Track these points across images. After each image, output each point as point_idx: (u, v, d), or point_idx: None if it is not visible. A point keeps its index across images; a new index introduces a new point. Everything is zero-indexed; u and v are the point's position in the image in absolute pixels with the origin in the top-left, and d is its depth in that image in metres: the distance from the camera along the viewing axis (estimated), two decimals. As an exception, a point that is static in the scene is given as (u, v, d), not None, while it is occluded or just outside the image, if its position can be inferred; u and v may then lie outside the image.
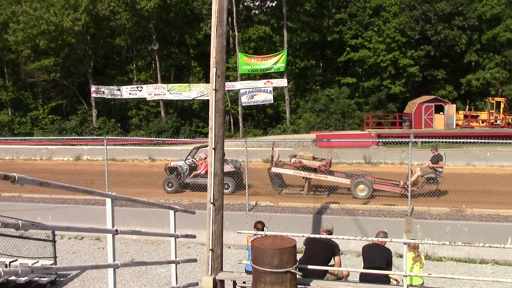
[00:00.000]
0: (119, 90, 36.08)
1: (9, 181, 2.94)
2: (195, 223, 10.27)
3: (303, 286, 5.89)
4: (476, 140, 15.60)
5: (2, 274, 2.76)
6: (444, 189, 14.74)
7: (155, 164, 23.48)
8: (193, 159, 17.83)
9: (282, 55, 34.36)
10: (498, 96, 35.88)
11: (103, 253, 11.94)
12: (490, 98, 34.55)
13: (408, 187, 14.51)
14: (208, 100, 7.01)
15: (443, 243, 6.70)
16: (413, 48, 36.19)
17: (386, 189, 15.25)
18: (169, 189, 16.76)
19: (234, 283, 6.55)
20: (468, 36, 34.86)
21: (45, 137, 31.31)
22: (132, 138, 30.07)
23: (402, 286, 5.92)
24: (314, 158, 16.01)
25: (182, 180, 16.90)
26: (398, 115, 34.39)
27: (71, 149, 27.45)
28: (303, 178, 15.74)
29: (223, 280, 6.57)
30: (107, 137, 16.80)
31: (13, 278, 8.97)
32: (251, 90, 34.78)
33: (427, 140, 18.18)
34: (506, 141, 18.86)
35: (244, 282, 6.42)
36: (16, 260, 9.79)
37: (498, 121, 33.22)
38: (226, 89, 8.14)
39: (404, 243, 5.90)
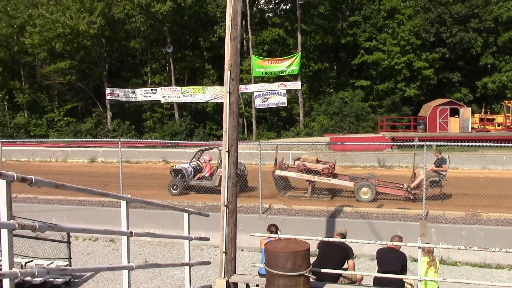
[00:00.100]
0: (133, 92, 36.30)
1: (26, 184, 2.98)
2: (208, 225, 10.30)
3: (317, 290, 5.87)
4: (492, 144, 15.39)
5: (19, 275, 2.79)
6: (456, 192, 14.58)
7: (169, 167, 23.56)
8: (198, 162, 17.92)
9: (296, 58, 34.33)
10: (515, 99, 35.50)
11: (117, 254, 12.02)
12: (506, 101, 34.14)
13: (411, 190, 14.51)
14: (222, 103, 7.04)
15: (458, 248, 6.64)
16: (428, 51, 35.93)
17: (390, 192, 15.21)
18: (174, 191, 16.87)
19: (248, 286, 6.55)
20: (484, 39, 34.52)
21: (61, 139, 31.64)
22: (146, 140, 30.26)
23: (417, 290, 5.87)
24: (318, 161, 16.06)
25: (186, 182, 16.99)
26: (412, 118, 34.16)
27: (86, 151, 27.68)
28: (307, 181, 15.76)
29: (237, 283, 6.57)
30: (121, 140, 16.95)
31: (28, 278, 9.06)
32: (264, 92, 34.79)
33: (442, 143, 17.99)
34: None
35: (257, 285, 6.41)
36: (31, 260, 9.87)
37: (514, 125, 32.86)
38: (239, 91, 8.15)
39: (419, 247, 5.86)
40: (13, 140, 29.39)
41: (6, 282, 2.94)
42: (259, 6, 41.91)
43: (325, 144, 23.97)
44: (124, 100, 36.73)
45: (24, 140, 31.90)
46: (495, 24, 34.49)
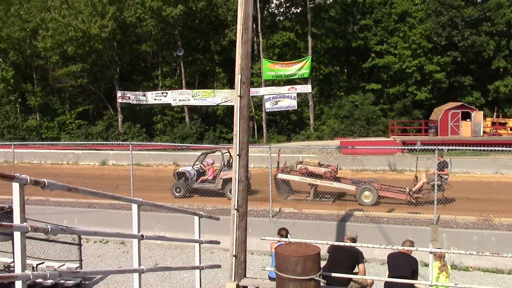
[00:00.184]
0: (144, 95, 36.47)
1: (39, 187, 3.01)
2: (218, 228, 10.30)
3: (327, 294, 5.85)
4: (504, 148, 15.33)
5: (31, 277, 2.81)
6: (468, 197, 14.46)
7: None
8: (201, 165, 17.99)
9: (307, 61, 34.31)
10: (527, 103, 35.21)
11: (128, 257, 12.06)
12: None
13: (413, 193, 14.48)
14: (232, 106, 7.05)
15: (470, 253, 6.58)
16: (440, 54, 35.73)
17: (392, 196, 15.22)
18: (177, 194, 17.00)
19: (257, 289, 6.55)
20: (496, 42, 34.25)
21: (72, 142, 31.86)
22: (156, 143, 30.37)
23: (428, 296, 5.83)
24: (320, 165, 16.13)
25: (190, 185, 17.07)
26: (423, 122, 33.96)
27: (97, 153, 27.85)
28: (309, 184, 15.78)
29: (246, 286, 6.57)
30: (132, 143, 17.04)
31: (39, 280, 9.10)
32: (275, 96, 34.79)
33: (453, 147, 17.88)
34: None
35: (267, 289, 6.41)
36: (42, 262, 9.93)
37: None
38: (250, 95, 8.16)
39: (430, 252, 5.82)
40: (25, 142, 29.63)
41: (18, 284, 2.96)
42: (269, 10, 41.95)
43: (335, 148, 23.94)
44: (135, 103, 36.90)
45: (36, 142, 32.16)
46: (507, 28, 34.21)
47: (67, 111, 39.11)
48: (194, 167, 17.76)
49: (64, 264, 10.27)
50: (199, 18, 37.64)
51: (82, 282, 10.25)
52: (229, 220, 6.90)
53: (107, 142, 29.27)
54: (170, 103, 36.57)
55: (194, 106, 37.37)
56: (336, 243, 7.39)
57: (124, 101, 36.35)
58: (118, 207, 14.48)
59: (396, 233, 11.46)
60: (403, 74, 36.53)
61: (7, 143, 25.83)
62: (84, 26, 32.70)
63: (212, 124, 37.06)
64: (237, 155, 6.82)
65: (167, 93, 36.52)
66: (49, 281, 9.24)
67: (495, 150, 14.55)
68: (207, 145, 26.00)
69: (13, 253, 8.93)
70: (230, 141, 32.98)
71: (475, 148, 15.00)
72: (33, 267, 9.40)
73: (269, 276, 7.43)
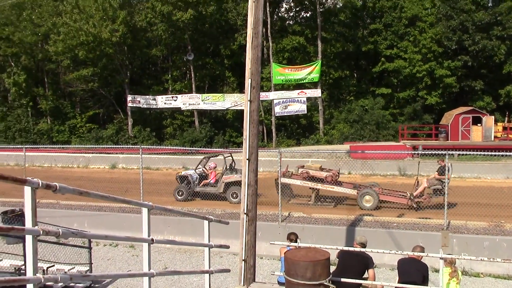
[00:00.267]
0: (154, 99, 36.64)
1: (51, 190, 3.03)
2: (227, 232, 10.30)
3: (337, 299, 5.82)
4: (515, 153, 15.18)
5: (43, 280, 2.83)
6: (478, 202, 14.33)
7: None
8: (203, 168, 18.08)
9: (316, 66, 34.30)
10: (539, 107, 34.89)
11: (137, 260, 12.10)
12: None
13: (414, 198, 14.43)
14: (241, 110, 7.08)
15: (481, 259, 6.54)
16: (450, 59, 35.57)
17: (393, 200, 15.19)
18: (179, 197, 17.09)
19: (267, 294, 6.54)
20: (507, 46, 34.02)
21: (82, 146, 32.06)
22: (166, 147, 30.46)
23: (438, 302, 5.79)
24: (321, 169, 16.15)
25: (192, 188, 17.16)
26: (434, 126, 33.78)
27: (107, 157, 27.97)
28: (310, 188, 15.79)
29: (256, 291, 6.56)
30: (142, 146, 17.12)
31: (50, 283, 9.15)
32: (284, 100, 34.80)
33: (464, 152, 17.78)
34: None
35: (276, 294, 6.40)
36: (53, 265, 9.98)
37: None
38: (260, 99, 8.16)
39: (441, 258, 5.79)
40: (36, 146, 29.85)
41: (29, 287, 2.99)
42: (279, 14, 42.04)
43: (345, 152, 23.86)
44: (145, 107, 37.08)
45: (46, 146, 32.41)
46: (519, 32, 34.02)
47: (77, 115, 39.37)
48: (196, 170, 17.88)
49: (74, 267, 10.31)
50: (209, 23, 37.77)
51: (92, 285, 10.29)
52: (238, 224, 6.90)
53: (117, 146, 29.44)
54: (180, 107, 36.70)
55: (204, 110, 37.47)
56: (346, 248, 7.36)
57: (134, 105, 36.53)
58: (128, 211, 14.53)
59: (406, 238, 11.40)
60: (413, 79, 36.40)
61: (18, 146, 26.06)
62: (95, 31, 32.94)
63: (221, 128, 37.12)
64: (247, 159, 6.83)
65: (177, 97, 36.65)
66: (59, 284, 9.29)
67: (506, 155, 14.43)
68: (217, 149, 26.05)
69: (24, 256, 8.99)
70: (239, 145, 33.01)
71: (486, 153, 14.92)
72: (43, 270, 9.46)
73: (278, 281, 7.41)
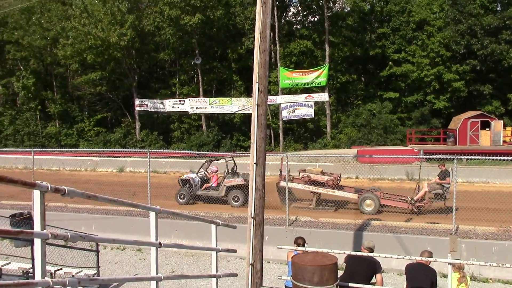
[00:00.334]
0: (162, 103, 36.75)
1: (59, 194, 3.05)
2: (234, 236, 10.29)
3: (344, 304, 5.81)
4: (524, 158, 15.07)
5: (51, 284, 2.84)
6: (487, 207, 14.21)
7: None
8: (205, 172, 18.14)
9: (324, 70, 34.29)
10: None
11: (144, 264, 12.11)
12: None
13: (414, 202, 14.41)
14: (249, 114, 7.09)
15: (490, 264, 6.48)
16: (458, 63, 35.42)
17: (394, 205, 15.22)
18: (181, 200, 17.18)
19: (274, 298, 6.52)
20: (516, 50, 33.88)
21: (90, 149, 32.20)
22: (173, 151, 30.53)
23: (447, 308, 5.75)
24: (322, 173, 16.20)
25: (194, 192, 17.22)
26: (442, 131, 33.65)
27: (115, 161, 28.08)
28: (311, 192, 15.81)
29: (263, 296, 6.55)
30: (150, 150, 17.19)
31: (58, 286, 9.16)
32: (292, 104, 34.80)
33: (472, 157, 17.67)
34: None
35: (283, 298, 6.38)
36: (60, 269, 9.99)
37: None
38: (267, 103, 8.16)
39: (449, 263, 5.75)
40: (44, 149, 29.99)
41: (38, 291, 2.99)
42: (287, 18, 42.09)
43: (352, 157, 23.81)
44: (153, 110, 37.20)
45: (55, 149, 32.56)
46: (528, 36, 33.84)
47: (85, 118, 39.57)
48: (198, 174, 17.96)
49: (81, 271, 10.33)
50: (217, 27, 37.89)
51: (99, 288, 10.30)
52: (246, 228, 6.89)
53: (124, 150, 29.53)
54: (188, 111, 36.79)
55: (211, 114, 37.54)
56: (354, 253, 7.33)
57: (142, 109, 36.66)
58: (135, 214, 14.57)
59: (414, 243, 11.35)
60: (421, 83, 36.28)
61: (27, 149, 26.19)
62: (103, 35, 33.13)
63: (229, 132, 37.17)
64: (254, 163, 6.82)
65: (184, 101, 36.76)
66: (67, 288, 9.30)
67: (515, 160, 14.33)
68: (224, 153, 26.07)
69: (32, 259, 9.03)
70: (246, 149, 33.03)
71: (494, 157, 14.82)
72: (51, 274, 9.47)
73: (285, 286, 7.40)
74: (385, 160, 22.42)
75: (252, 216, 6.73)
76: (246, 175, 17.23)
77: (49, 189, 2.98)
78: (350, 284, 6.17)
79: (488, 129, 30.23)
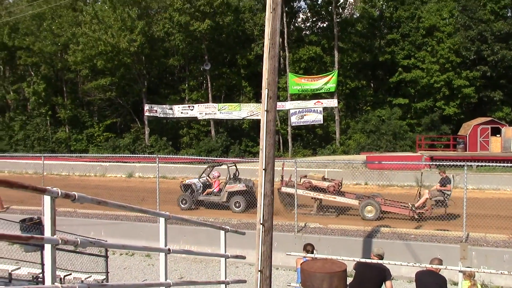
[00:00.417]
0: (171, 109, 36.87)
1: (69, 199, 3.05)
2: (243, 242, 10.28)
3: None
4: (536, 165, 14.95)
5: (61, 289, 2.85)
6: (498, 214, 14.10)
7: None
8: (207, 177, 18.19)
9: (333, 76, 34.25)
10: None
11: (153, 270, 12.12)
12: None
13: (415, 209, 14.38)
14: (258, 120, 7.09)
15: (501, 272, 6.42)
16: (469, 69, 35.22)
17: (395, 211, 15.22)
18: (183, 205, 17.28)
19: (283, 305, 6.49)
20: (527, 57, 33.65)
21: (99, 154, 32.36)
22: (182, 156, 30.60)
23: (458, 316, 5.70)
24: (324, 179, 16.28)
25: (195, 197, 17.26)
26: (452, 137, 33.46)
27: (124, 166, 28.18)
28: (312, 198, 15.81)
29: (272, 302, 6.52)
30: (159, 156, 17.24)
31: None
32: (301, 110, 34.78)
33: (483, 164, 17.55)
34: None
35: (292, 305, 6.35)
36: (70, 274, 10.03)
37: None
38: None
39: (460, 271, 5.70)
40: (54, 154, 30.17)
41: (48, 296, 3.00)
42: (296, 24, 42.10)
43: (361, 163, 23.73)
44: (162, 116, 37.32)
45: (64, 154, 32.76)
46: (538, 42, 33.62)
47: (95, 123, 39.75)
48: (200, 179, 18.00)
49: (90, 276, 10.36)
50: (226, 33, 37.99)
51: (108, 294, 10.30)
52: (254, 235, 6.87)
53: (134, 155, 29.63)
54: (197, 117, 36.87)
55: (220, 120, 37.60)
56: (363, 260, 7.29)
57: (151, 114, 36.80)
58: (144, 220, 14.60)
59: (424, 250, 11.27)
60: (431, 89, 36.12)
61: (37, 154, 26.39)
62: (113, 41, 33.32)
63: (237, 138, 37.19)
64: (263, 169, 6.81)
65: (193, 106, 36.85)
66: (76, 293, 9.31)
67: (526, 167, 14.23)
68: (232, 159, 26.08)
69: (41, 264, 9.07)
70: (255, 154, 33.02)
71: (505, 164, 14.71)
72: (60, 279, 9.50)
73: (294, 292, 7.36)
74: (394, 167, 22.31)
75: (261, 222, 6.71)
76: (247, 181, 17.32)
77: (59, 194, 2.99)
78: (360, 292, 6.13)
79: (499, 135, 30.03)
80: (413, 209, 14.64)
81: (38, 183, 2.90)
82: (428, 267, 7.03)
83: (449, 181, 14.72)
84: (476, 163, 17.18)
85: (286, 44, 36.12)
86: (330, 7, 37.73)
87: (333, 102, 34.99)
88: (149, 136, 36.98)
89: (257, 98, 37.51)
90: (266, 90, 6.82)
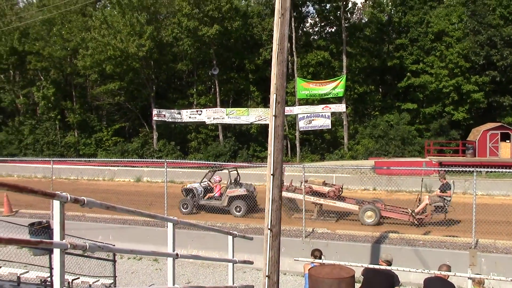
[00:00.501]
0: (179, 113, 36.97)
1: (79, 204, 3.07)
2: (250, 248, 10.27)
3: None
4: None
5: (69, 294, 2.85)
6: (507, 220, 13.99)
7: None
8: (208, 182, 18.24)
9: (341, 80, 34.21)
10: None
11: (160, 274, 12.13)
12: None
13: (415, 215, 14.33)
14: (266, 124, 7.10)
15: (511, 280, 6.36)
16: (478, 74, 35.06)
17: (395, 217, 15.21)
18: (184, 210, 17.31)
19: (290, 311, 6.47)
20: (537, 62, 33.44)
21: (108, 159, 32.48)
22: (190, 161, 30.64)
23: (467, 323, 5.65)
24: (324, 184, 16.24)
25: (197, 201, 17.29)
26: (461, 142, 33.26)
27: (132, 170, 28.26)
28: (313, 203, 15.83)
29: (279, 308, 6.50)
30: (167, 160, 17.29)
31: (75, 295, 9.23)
32: (309, 115, 34.74)
33: (492, 170, 17.42)
34: None
35: (300, 311, 6.33)
36: (78, 278, 10.06)
37: None
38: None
39: (469, 278, 5.66)
40: (63, 159, 30.30)
41: (56, 300, 3.01)
42: (304, 29, 42.15)
43: (370, 168, 23.65)
44: (170, 121, 37.41)
45: (73, 159, 32.90)
46: (548, 47, 33.40)
47: (104, 128, 39.91)
48: (201, 184, 18.04)
49: (98, 280, 10.38)
50: (234, 38, 38.09)
51: (116, 298, 10.33)
52: (262, 240, 6.87)
53: (142, 160, 29.70)
54: (205, 121, 36.94)
55: (228, 124, 37.65)
56: (371, 266, 7.25)
57: (160, 119, 36.91)
58: (152, 224, 14.63)
59: (433, 256, 11.20)
60: (439, 94, 35.96)
61: (46, 159, 26.51)
62: (122, 45, 33.49)
63: (245, 143, 37.20)
64: (271, 174, 6.81)
65: (201, 111, 36.93)
66: (84, 297, 9.36)
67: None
68: (240, 164, 26.12)
69: (50, 268, 9.10)
70: (263, 159, 33.00)
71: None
72: (68, 283, 9.54)
73: (302, 298, 7.34)
74: (403, 172, 22.21)
75: (269, 227, 6.70)
76: (248, 186, 17.37)
77: (68, 199, 3.01)
78: (368, 298, 6.10)
79: (508, 141, 29.82)
80: (413, 214, 14.62)
81: (47, 187, 2.91)
82: (437, 273, 6.98)
83: (449, 187, 14.70)
84: (486, 169, 17.07)
85: (294, 49, 36.14)
86: (339, 12, 37.74)
87: (341, 107, 34.94)
88: (157, 140, 37.07)
89: (265, 103, 37.54)
90: (275, 95, 6.83)
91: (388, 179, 20.99)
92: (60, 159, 28.59)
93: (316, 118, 34.68)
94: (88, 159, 32.30)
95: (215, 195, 17.59)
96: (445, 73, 35.01)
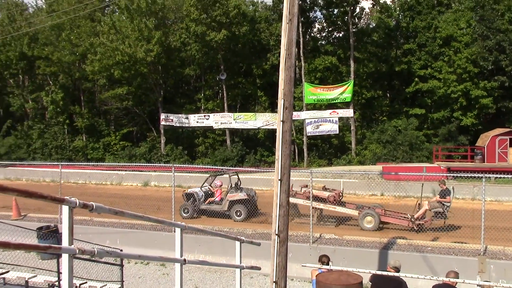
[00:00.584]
0: (187, 118, 37.07)
1: (87, 209, 3.08)
2: (258, 253, 10.25)
3: (369, 325, 5.71)
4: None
5: (77, 299, 2.86)
6: (501, 226, 13.89)
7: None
8: (209, 186, 18.25)
9: (349, 86, 34.17)
10: None
11: (167, 279, 12.13)
12: None
13: (415, 220, 14.28)
14: (273, 129, 7.10)
15: (520, 287, 6.30)
16: (486, 79, 34.89)
17: (394, 222, 15.18)
18: (184, 214, 17.31)
19: (298, 317, 6.45)
20: (546, 67, 33.25)
21: (116, 163, 32.59)
22: (198, 166, 30.67)
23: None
24: (325, 189, 16.25)
25: (197, 206, 17.30)
26: (469, 148, 33.06)
27: (140, 175, 28.33)
28: (313, 208, 15.81)
29: (287, 314, 6.47)
30: (175, 165, 17.34)
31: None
32: (316, 120, 34.72)
33: (501, 176, 17.30)
34: None
35: (308, 317, 6.30)
36: (85, 282, 10.07)
37: None
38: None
39: (478, 285, 5.61)
40: (71, 163, 30.42)
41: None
42: (312, 34, 42.17)
43: (377, 173, 23.57)
44: (178, 125, 37.52)
45: (81, 163, 33.03)
46: (557, 52, 33.21)
47: (112, 132, 40.07)
48: (202, 188, 18.06)
49: (106, 285, 10.39)
50: (242, 43, 38.18)
51: (123, 303, 10.34)
52: (269, 245, 6.85)
53: (149, 164, 29.76)
54: (212, 126, 37.02)
55: (236, 129, 37.69)
56: (379, 272, 7.22)
57: (167, 124, 37.01)
58: (159, 229, 14.63)
59: (441, 263, 11.13)
60: (448, 99, 35.78)
61: (55, 163, 26.63)
62: (130, 51, 33.66)
63: (253, 147, 37.20)
64: (279, 180, 6.80)
65: (209, 116, 37.01)
66: (92, 302, 9.37)
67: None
68: (248, 168, 26.13)
69: (57, 272, 9.13)
70: (270, 164, 32.97)
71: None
72: (76, 287, 9.56)
73: (309, 304, 7.31)
74: (410, 177, 22.10)
75: (276, 233, 6.69)
76: (249, 190, 17.38)
77: (77, 204, 3.02)
78: (376, 304, 6.07)
79: (517, 147, 29.62)
80: (412, 220, 14.57)
81: (55, 192, 2.93)
82: (445, 280, 6.93)
83: (449, 192, 14.66)
84: (495, 175, 16.97)
85: (302, 54, 36.15)
86: (346, 17, 37.75)
87: (349, 112, 34.89)
88: (165, 145, 37.16)
89: (272, 108, 37.56)
90: (282, 100, 6.83)
91: (396, 184, 20.88)
92: (68, 163, 28.72)
93: (323, 123, 34.65)
94: (96, 163, 32.42)
95: (216, 199, 17.60)
96: (454, 78, 34.84)
